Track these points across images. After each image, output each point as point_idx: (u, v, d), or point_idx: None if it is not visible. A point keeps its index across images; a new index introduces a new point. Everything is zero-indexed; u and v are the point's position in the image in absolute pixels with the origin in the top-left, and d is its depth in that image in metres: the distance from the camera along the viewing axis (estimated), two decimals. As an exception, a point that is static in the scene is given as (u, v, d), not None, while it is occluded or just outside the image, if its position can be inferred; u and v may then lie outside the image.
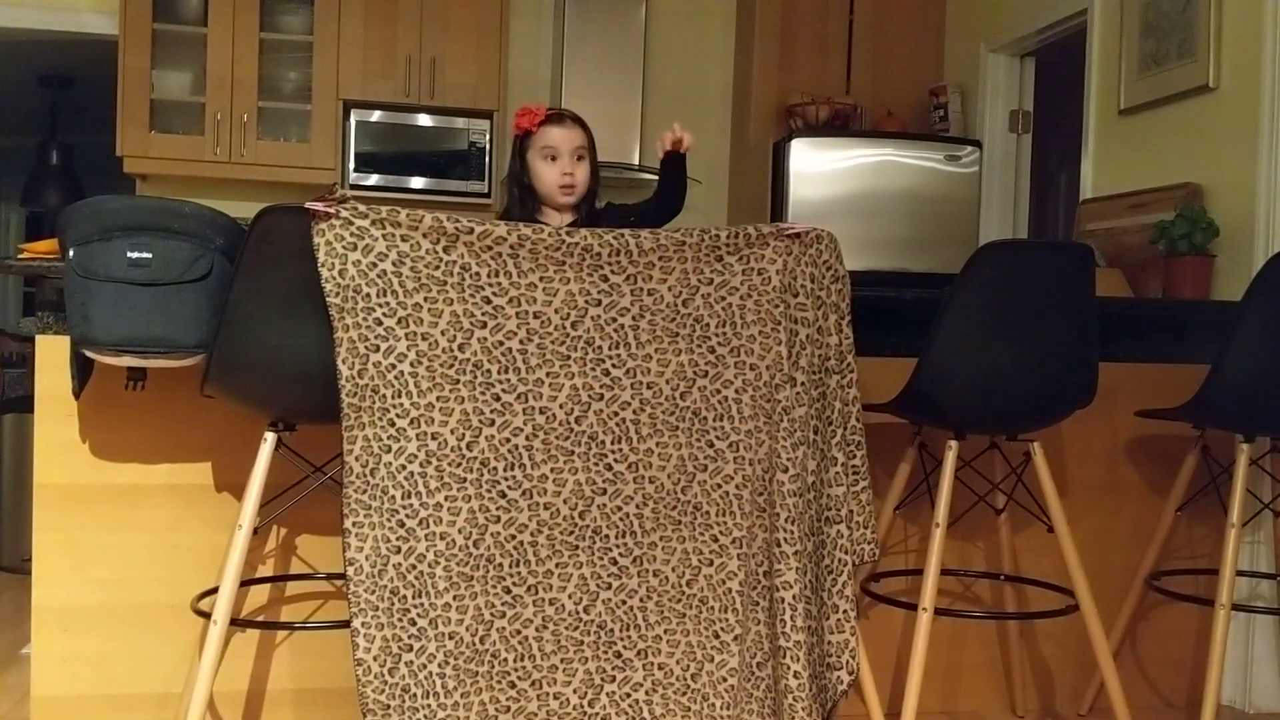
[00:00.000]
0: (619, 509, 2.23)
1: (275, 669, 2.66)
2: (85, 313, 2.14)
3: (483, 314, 2.15)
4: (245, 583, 2.55)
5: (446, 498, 2.13)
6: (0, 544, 4.28)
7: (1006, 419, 2.58)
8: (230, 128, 5.00)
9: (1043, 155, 4.98)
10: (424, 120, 5.16)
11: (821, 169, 4.68)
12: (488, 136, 5.18)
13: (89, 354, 2.21)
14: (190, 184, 5.04)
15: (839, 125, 5.00)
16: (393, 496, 2.11)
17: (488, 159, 5.18)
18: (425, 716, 2.11)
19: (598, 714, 2.24)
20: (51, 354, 2.53)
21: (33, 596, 2.55)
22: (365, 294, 2.08)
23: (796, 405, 2.24)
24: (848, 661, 2.31)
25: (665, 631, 2.27)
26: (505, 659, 2.18)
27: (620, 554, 2.24)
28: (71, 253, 2.14)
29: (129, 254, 2.12)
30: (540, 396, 2.18)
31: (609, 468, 2.22)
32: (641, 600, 2.25)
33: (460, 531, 2.14)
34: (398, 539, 2.11)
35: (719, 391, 2.26)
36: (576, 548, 2.22)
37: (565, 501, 2.20)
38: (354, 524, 2.09)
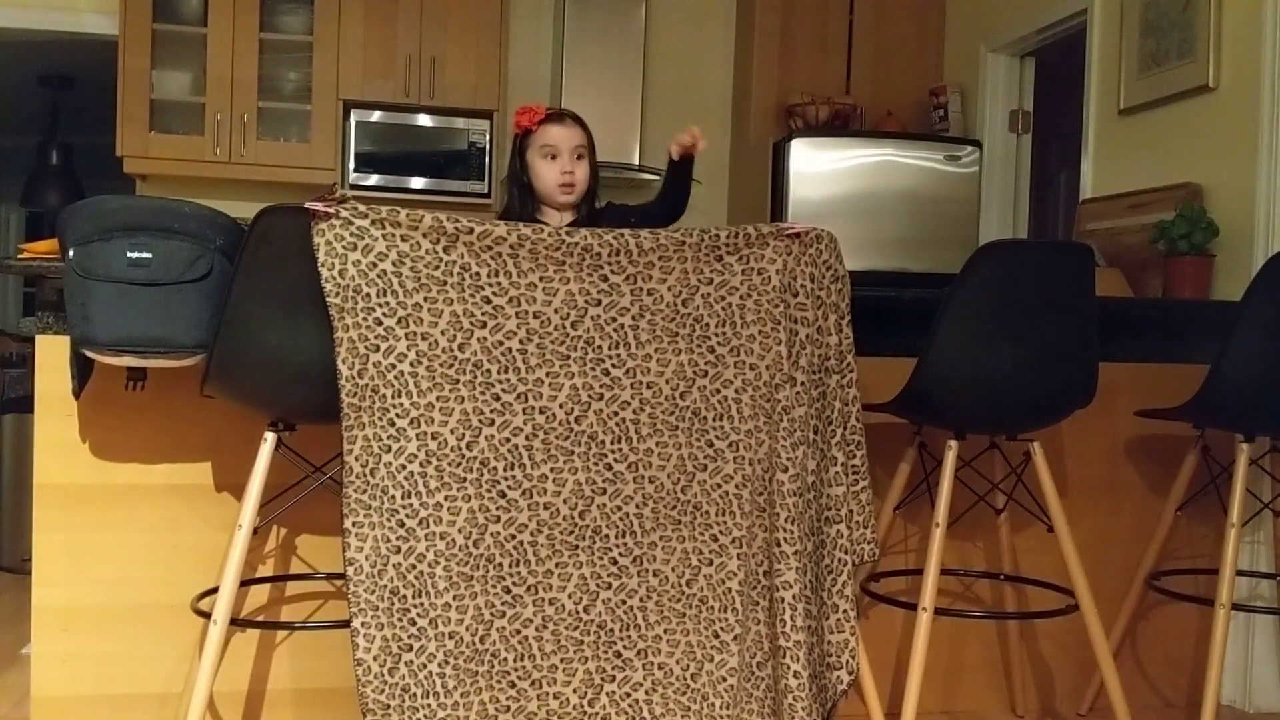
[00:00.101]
0: (619, 509, 2.23)
1: (275, 669, 2.66)
2: (85, 313, 2.14)
3: (483, 314, 2.15)
4: (245, 583, 2.55)
5: (446, 497, 2.13)
6: (0, 544, 4.28)
7: (1006, 419, 2.58)
8: (230, 128, 5.00)
9: (1043, 155, 4.98)
10: (424, 120, 5.16)
11: (821, 169, 4.68)
12: (488, 136, 5.18)
13: (89, 354, 2.21)
14: (190, 184, 5.04)
15: (839, 125, 5.00)
16: (393, 496, 2.11)
17: (488, 159, 5.18)
18: (425, 716, 2.11)
19: (597, 714, 2.24)
20: (51, 354, 2.53)
21: (33, 596, 2.55)
22: (365, 294, 2.08)
23: (796, 405, 2.24)
24: (848, 661, 2.31)
25: (665, 631, 2.27)
26: (505, 659, 2.18)
27: (620, 554, 2.24)
28: (71, 253, 2.14)
29: (129, 254, 2.12)
30: (540, 396, 2.18)
31: (609, 467, 2.22)
32: (641, 600, 2.25)
33: (460, 531, 2.14)
34: (398, 539, 2.11)
35: (719, 391, 2.26)
36: (576, 547, 2.22)
37: (565, 501, 2.20)
38: (354, 524, 2.09)
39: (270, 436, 2.25)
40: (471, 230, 2.12)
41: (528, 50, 5.41)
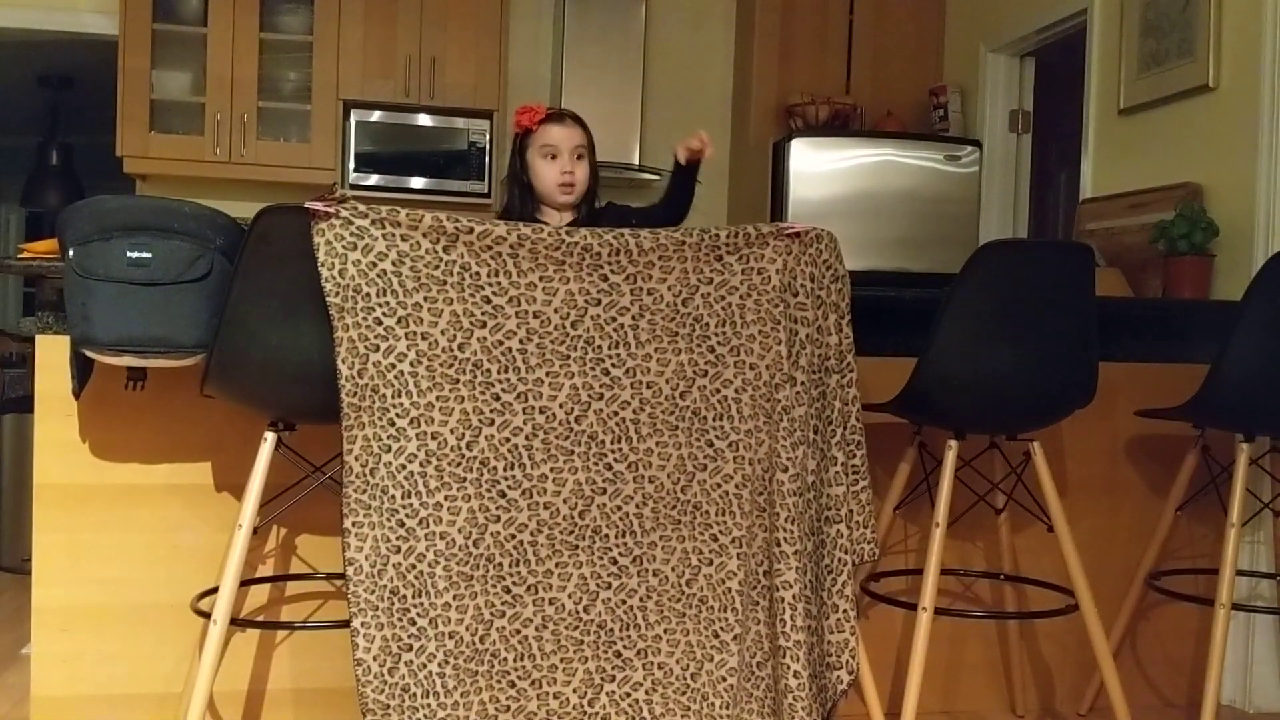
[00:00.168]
0: (619, 508, 2.23)
1: (275, 669, 2.66)
2: (85, 312, 2.14)
3: (482, 313, 2.15)
4: (245, 583, 2.55)
5: (446, 497, 2.13)
6: (0, 544, 4.28)
7: (1006, 419, 2.58)
8: (230, 128, 5.00)
9: (1042, 155, 4.98)
10: (424, 120, 5.16)
11: (821, 169, 4.68)
12: (487, 136, 5.18)
13: (89, 354, 2.21)
14: (190, 184, 5.04)
15: (839, 125, 5.00)
16: (392, 496, 2.11)
17: (488, 159, 5.18)
18: (425, 716, 2.11)
19: (597, 713, 2.24)
20: (51, 354, 2.53)
21: (33, 596, 2.55)
22: (365, 293, 2.08)
23: (796, 405, 2.24)
24: (847, 661, 2.31)
25: (665, 631, 2.27)
26: (505, 658, 2.18)
27: (620, 553, 2.24)
28: (71, 252, 2.14)
29: (129, 254, 2.12)
30: (540, 396, 2.18)
31: (609, 467, 2.22)
32: (641, 600, 2.25)
33: (460, 531, 2.14)
34: (397, 539, 2.11)
35: (719, 391, 2.26)
36: (576, 547, 2.22)
37: (565, 501, 2.20)
38: (354, 524, 2.09)
39: (270, 436, 2.25)
40: (471, 230, 2.12)
41: (528, 50, 5.41)
